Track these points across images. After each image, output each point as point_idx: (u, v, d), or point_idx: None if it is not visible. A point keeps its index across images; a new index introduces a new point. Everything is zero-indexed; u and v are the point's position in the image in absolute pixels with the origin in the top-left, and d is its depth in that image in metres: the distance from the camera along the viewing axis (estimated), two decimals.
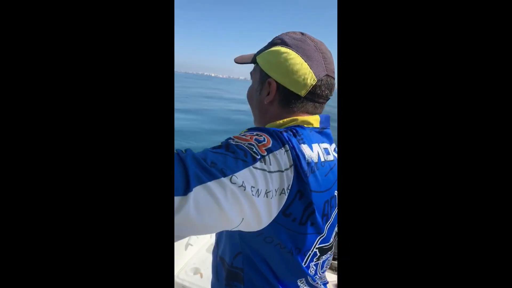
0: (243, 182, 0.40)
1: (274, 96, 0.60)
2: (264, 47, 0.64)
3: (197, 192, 0.37)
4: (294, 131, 0.53)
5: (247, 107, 0.72)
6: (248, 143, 0.46)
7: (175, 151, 0.41)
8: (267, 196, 0.43)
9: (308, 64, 0.57)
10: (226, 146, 0.46)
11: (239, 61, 0.70)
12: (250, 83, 0.70)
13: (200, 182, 0.37)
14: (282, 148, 0.47)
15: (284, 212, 0.47)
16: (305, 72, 0.57)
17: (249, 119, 0.72)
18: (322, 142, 0.57)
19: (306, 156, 0.50)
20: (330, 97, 0.63)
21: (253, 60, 0.65)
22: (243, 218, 0.42)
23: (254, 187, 0.41)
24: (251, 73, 0.67)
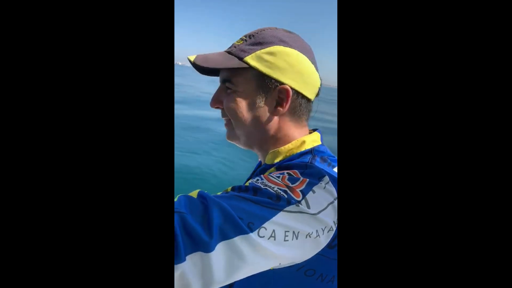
0: (273, 231, 0.37)
1: (289, 105, 0.50)
2: (248, 47, 0.50)
3: (220, 249, 0.35)
4: (319, 157, 0.48)
5: None
6: (278, 188, 0.41)
7: (197, 193, 0.40)
8: (309, 236, 0.40)
9: (313, 65, 0.51)
10: (253, 189, 0.41)
11: (205, 64, 0.50)
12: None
13: (225, 237, 0.35)
14: (322, 182, 0.43)
15: (330, 244, 0.43)
16: (313, 73, 0.51)
17: None
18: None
19: None
20: None
21: (231, 63, 0.49)
22: (280, 263, 0.40)
23: (288, 232, 0.38)
24: (226, 80, 0.51)
